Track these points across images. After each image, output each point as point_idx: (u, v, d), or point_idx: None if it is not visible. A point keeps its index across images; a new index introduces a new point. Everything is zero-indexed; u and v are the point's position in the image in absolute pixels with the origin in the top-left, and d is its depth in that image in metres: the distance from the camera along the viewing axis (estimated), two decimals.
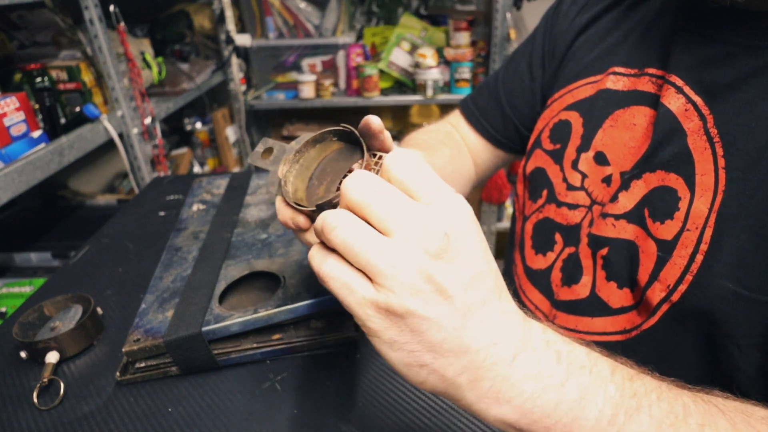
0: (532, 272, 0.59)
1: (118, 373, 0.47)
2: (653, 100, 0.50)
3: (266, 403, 0.44)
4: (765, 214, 0.39)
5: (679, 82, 0.47)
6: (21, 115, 0.90)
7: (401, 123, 2.17)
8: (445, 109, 2.07)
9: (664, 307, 0.44)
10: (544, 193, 0.59)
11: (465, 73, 1.74)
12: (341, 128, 0.39)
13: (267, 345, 0.48)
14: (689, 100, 0.46)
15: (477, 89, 0.74)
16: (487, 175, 0.76)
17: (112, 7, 1.13)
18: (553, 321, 0.54)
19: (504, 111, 0.69)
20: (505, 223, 2.04)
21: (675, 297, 0.43)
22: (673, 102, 0.47)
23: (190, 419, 0.43)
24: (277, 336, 0.49)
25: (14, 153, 0.87)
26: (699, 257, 0.42)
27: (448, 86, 1.80)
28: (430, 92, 1.76)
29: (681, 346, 0.44)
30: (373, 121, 0.36)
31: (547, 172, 0.59)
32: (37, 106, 0.99)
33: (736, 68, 0.44)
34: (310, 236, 0.39)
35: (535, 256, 0.59)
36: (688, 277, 0.42)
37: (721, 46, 0.45)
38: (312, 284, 0.49)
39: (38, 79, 1.07)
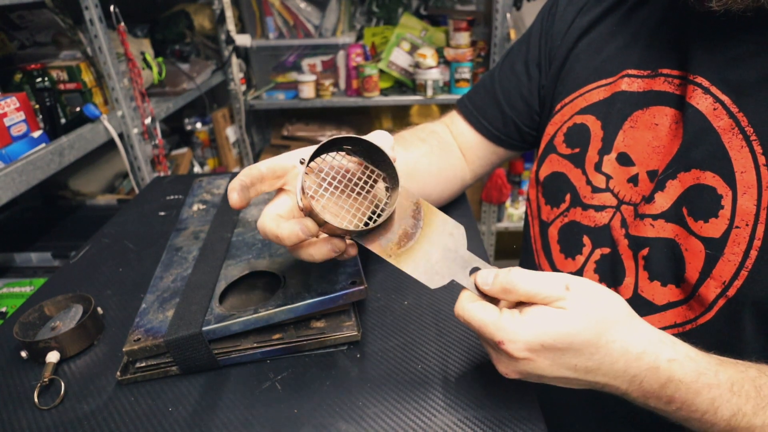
0: None
1: (118, 373, 0.47)
2: (673, 100, 0.51)
3: (266, 403, 0.44)
4: None
5: (705, 83, 0.48)
6: (21, 115, 0.90)
7: (401, 123, 2.17)
8: (445, 109, 2.07)
9: (721, 302, 0.46)
10: (567, 197, 0.60)
11: (465, 73, 1.75)
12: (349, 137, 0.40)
13: (267, 345, 0.48)
14: (717, 99, 0.47)
15: (473, 89, 0.74)
16: (486, 172, 0.76)
17: (112, 7, 1.13)
18: None
19: (502, 109, 0.69)
20: (506, 223, 2.04)
21: (731, 292, 0.45)
22: (701, 102, 0.48)
23: (190, 419, 0.43)
24: (277, 336, 0.49)
25: (14, 153, 0.87)
26: (753, 253, 0.44)
27: (448, 86, 1.80)
28: (430, 92, 1.76)
29: (741, 336, 0.46)
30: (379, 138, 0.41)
31: (568, 176, 0.60)
32: (37, 106, 0.99)
33: (762, 66, 0.45)
34: (314, 250, 0.41)
35: (565, 261, 0.60)
36: (743, 273, 0.44)
37: (743, 45, 0.46)
38: (312, 284, 0.49)
39: (38, 79, 1.07)
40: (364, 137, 0.40)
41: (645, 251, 0.51)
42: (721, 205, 0.45)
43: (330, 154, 0.42)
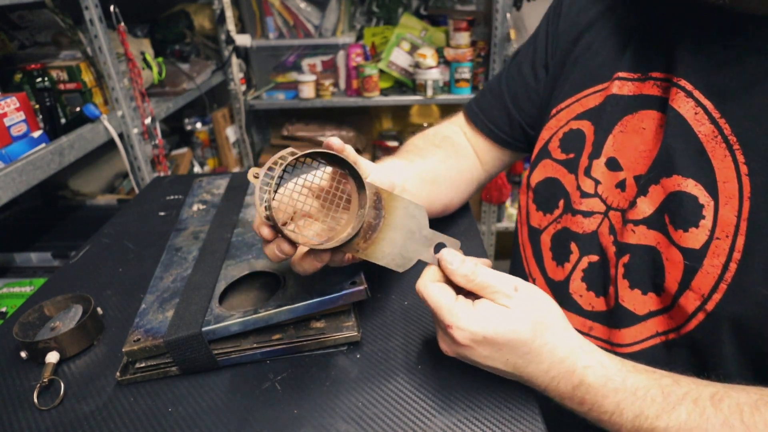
0: (555, 284, 0.59)
1: (118, 373, 0.47)
2: (660, 104, 0.50)
3: (266, 403, 0.44)
4: None
5: (689, 86, 0.47)
6: (21, 115, 0.90)
7: (401, 123, 2.17)
8: (445, 109, 2.07)
9: (700, 316, 0.44)
10: (561, 203, 0.59)
11: (465, 73, 1.74)
12: (321, 152, 0.42)
13: (267, 345, 0.48)
14: (699, 103, 0.46)
15: (480, 93, 0.74)
16: (498, 172, 0.77)
17: (112, 7, 1.13)
18: (589, 333, 0.55)
19: (510, 113, 0.68)
20: (506, 223, 2.04)
21: (710, 306, 0.43)
22: (683, 105, 0.47)
23: (190, 419, 0.43)
24: (277, 336, 0.49)
25: (14, 153, 0.87)
26: (732, 266, 0.42)
27: (448, 86, 1.79)
28: (430, 92, 1.76)
29: (720, 351, 0.44)
30: (334, 143, 0.43)
31: (562, 182, 0.59)
32: (37, 106, 0.99)
33: (746, 72, 0.44)
34: (305, 264, 0.44)
35: (556, 268, 0.59)
36: (722, 286, 0.43)
37: (729, 50, 0.45)
38: (312, 284, 0.49)
39: (38, 79, 1.06)
40: (320, 150, 0.42)
41: (626, 258, 0.50)
42: (702, 215, 0.44)
43: (287, 186, 0.43)
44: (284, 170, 0.41)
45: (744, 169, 0.43)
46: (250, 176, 0.40)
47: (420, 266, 0.44)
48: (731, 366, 0.44)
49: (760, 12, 0.43)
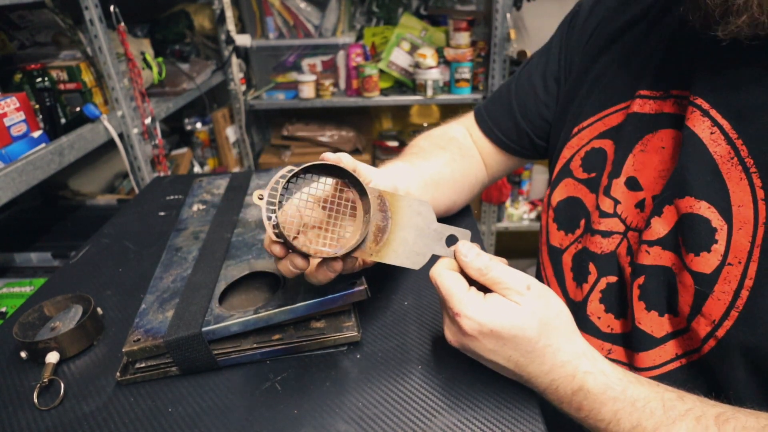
0: (574, 305, 0.58)
1: (118, 374, 0.47)
2: (680, 123, 0.49)
3: (266, 403, 0.44)
4: None
5: (705, 105, 0.45)
6: (21, 115, 0.90)
7: (401, 123, 2.17)
8: (445, 109, 2.07)
9: (711, 343, 0.44)
10: (582, 223, 0.58)
11: (465, 73, 1.74)
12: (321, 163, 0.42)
13: (267, 345, 0.48)
14: (715, 123, 0.45)
15: (490, 98, 0.74)
16: (502, 176, 0.77)
17: (112, 7, 1.13)
18: (608, 356, 0.52)
19: (517, 122, 0.68)
20: (506, 223, 2.04)
21: (720, 333, 0.43)
22: (698, 125, 0.45)
23: (190, 419, 0.43)
24: (277, 336, 0.49)
25: (14, 153, 0.87)
26: (744, 293, 0.41)
27: (448, 86, 1.80)
28: (430, 92, 1.76)
29: (733, 377, 0.43)
30: (329, 157, 0.44)
31: (583, 201, 0.58)
32: (37, 106, 0.99)
33: (765, 91, 0.42)
34: (319, 275, 0.44)
35: (576, 289, 0.58)
36: (734, 313, 0.42)
37: (749, 68, 0.43)
38: (312, 284, 0.49)
39: (38, 79, 1.06)
40: (317, 162, 0.42)
41: (641, 279, 0.49)
42: (715, 239, 0.43)
43: (295, 196, 0.44)
44: (285, 188, 0.41)
45: (761, 193, 0.41)
46: (254, 199, 0.41)
47: (424, 265, 0.44)
48: (745, 392, 0.43)
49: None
